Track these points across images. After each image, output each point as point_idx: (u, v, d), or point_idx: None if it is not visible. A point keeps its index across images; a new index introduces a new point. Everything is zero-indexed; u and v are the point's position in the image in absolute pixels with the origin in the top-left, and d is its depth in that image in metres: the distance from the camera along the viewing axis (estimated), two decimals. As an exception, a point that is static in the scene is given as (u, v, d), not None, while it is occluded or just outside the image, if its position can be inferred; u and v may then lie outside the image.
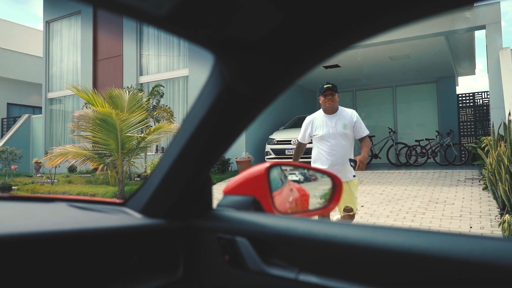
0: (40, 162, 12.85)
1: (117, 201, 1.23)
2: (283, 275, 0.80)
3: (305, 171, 1.51)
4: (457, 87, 13.70)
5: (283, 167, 1.47)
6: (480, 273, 0.59)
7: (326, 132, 3.57)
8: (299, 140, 3.83)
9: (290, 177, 1.51)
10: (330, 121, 3.59)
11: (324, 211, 1.27)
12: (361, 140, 3.65)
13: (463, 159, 10.98)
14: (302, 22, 0.58)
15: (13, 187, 10.56)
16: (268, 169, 1.13)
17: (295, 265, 0.81)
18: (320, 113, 3.71)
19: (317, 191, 1.44)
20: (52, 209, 1.11)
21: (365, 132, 3.61)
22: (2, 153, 12.66)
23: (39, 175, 12.93)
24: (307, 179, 1.53)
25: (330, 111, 3.62)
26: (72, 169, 12.97)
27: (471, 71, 13.68)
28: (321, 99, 3.61)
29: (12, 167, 12.42)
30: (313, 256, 0.79)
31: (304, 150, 3.88)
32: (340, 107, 3.68)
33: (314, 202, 1.42)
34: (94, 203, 1.22)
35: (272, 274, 0.82)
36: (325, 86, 3.59)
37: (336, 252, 0.75)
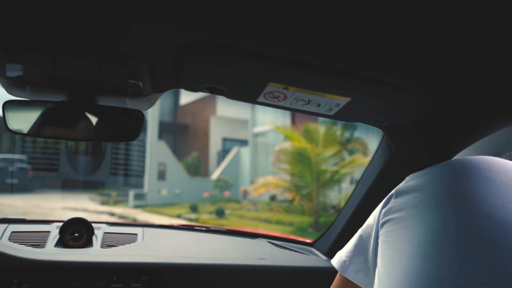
0: (247, 191, 14.43)
1: (307, 240, 1.42)
2: None
3: None
4: None
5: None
6: None
7: None
8: None
9: None
10: None
11: None
12: None
13: None
14: (449, 110, 0.71)
15: (225, 211, 12.12)
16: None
17: None
18: None
19: None
20: (255, 245, 1.34)
21: None
22: (218, 182, 14.75)
23: (246, 201, 14.49)
24: None
25: None
26: (273, 198, 14.07)
27: None
28: None
29: (225, 194, 14.31)
30: None
31: None
32: None
33: None
34: (287, 241, 1.42)
35: None
36: None
37: None
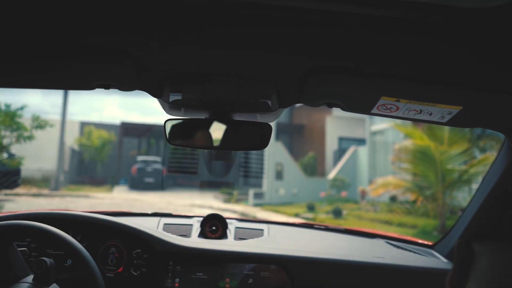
0: (365, 191, 14.04)
1: (427, 243, 1.41)
2: None
3: None
4: None
5: None
6: None
7: None
8: None
9: None
10: None
11: None
12: None
13: None
14: None
15: (343, 212, 11.98)
16: None
17: None
18: None
19: None
20: (373, 245, 1.39)
21: None
22: (334, 181, 14.65)
23: (364, 202, 14.11)
24: None
25: None
26: (393, 199, 13.44)
27: None
28: None
29: (342, 194, 14.14)
30: None
31: None
32: None
33: None
34: (406, 242, 1.44)
35: None
36: None
37: None
